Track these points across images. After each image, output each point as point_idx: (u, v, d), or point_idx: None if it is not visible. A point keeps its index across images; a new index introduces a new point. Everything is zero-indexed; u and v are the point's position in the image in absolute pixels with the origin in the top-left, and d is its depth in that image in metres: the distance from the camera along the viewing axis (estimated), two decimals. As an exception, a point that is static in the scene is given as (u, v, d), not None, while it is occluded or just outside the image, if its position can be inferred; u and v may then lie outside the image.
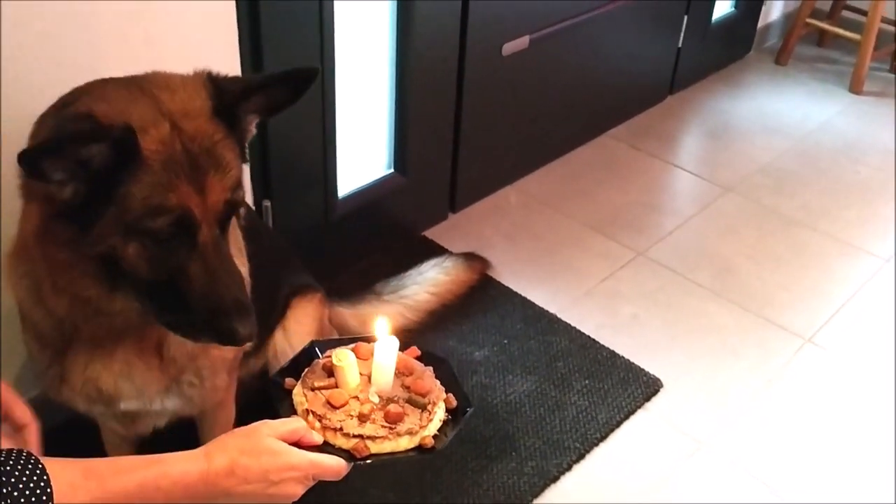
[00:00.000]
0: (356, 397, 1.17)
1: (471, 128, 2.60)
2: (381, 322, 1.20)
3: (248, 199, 2.03)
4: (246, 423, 1.73)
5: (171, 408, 1.47)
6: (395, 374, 1.19)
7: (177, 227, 1.16)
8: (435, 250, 2.50)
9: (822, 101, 3.48)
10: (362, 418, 1.14)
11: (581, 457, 2.01)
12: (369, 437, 1.13)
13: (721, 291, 2.51)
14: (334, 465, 1.11)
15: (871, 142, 3.24)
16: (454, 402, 1.22)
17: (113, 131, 1.10)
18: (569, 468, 1.98)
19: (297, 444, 1.12)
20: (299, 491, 1.10)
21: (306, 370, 1.22)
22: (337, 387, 1.17)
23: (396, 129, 2.42)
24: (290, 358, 1.26)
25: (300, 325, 1.83)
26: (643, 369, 2.23)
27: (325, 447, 1.13)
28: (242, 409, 1.67)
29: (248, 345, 1.62)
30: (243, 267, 1.49)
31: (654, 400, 2.17)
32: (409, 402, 1.17)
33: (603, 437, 2.06)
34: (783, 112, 3.40)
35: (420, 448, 1.15)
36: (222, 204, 1.20)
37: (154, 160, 1.13)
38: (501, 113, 2.69)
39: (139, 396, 1.41)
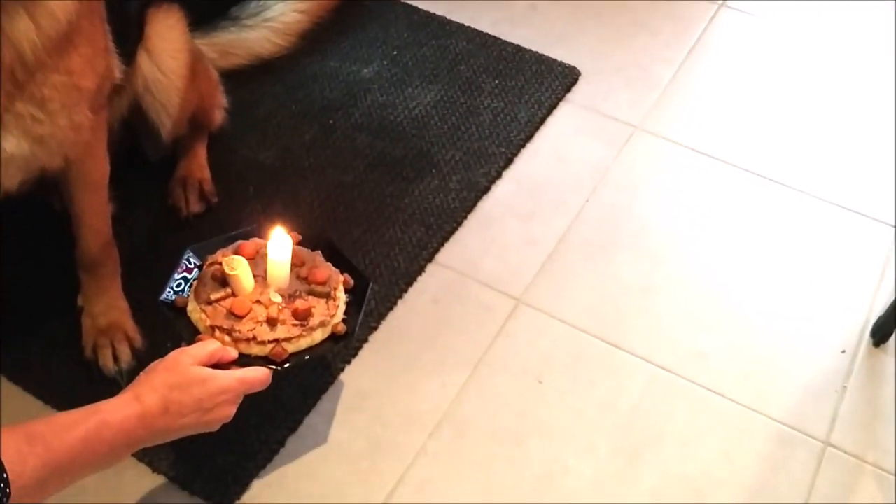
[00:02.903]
0: (258, 301, 1.12)
1: None
2: (277, 229, 1.17)
3: None
4: (119, 185, 1.44)
5: (19, 154, 1.11)
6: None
7: None
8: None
9: None
10: (272, 322, 1.10)
11: (509, 161, 1.76)
12: (285, 340, 1.10)
13: (619, -34, 2.22)
14: (260, 377, 1.10)
15: None
16: (351, 282, 1.19)
17: None
18: (498, 175, 1.73)
19: (216, 365, 1.10)
20: (232, 411, 1.09)
21: (195, 283, 1.15)
22: (234, 295, 1.12)
23: None
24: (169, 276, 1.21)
25: (165, 41, 1.46)
26: (556, 60, 1.96)
27: (242, 359, 1.10)
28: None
29: (119, 76, 1.27)
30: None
31: (575, 90, 1.91)
32: (312, 293, 1.13)
33: (528, 137, 1.81)
34: None
35: (334, 336, 1.14)
36: None
37: None
38: None
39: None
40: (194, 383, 1.05)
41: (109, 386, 1.38)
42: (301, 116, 1.82)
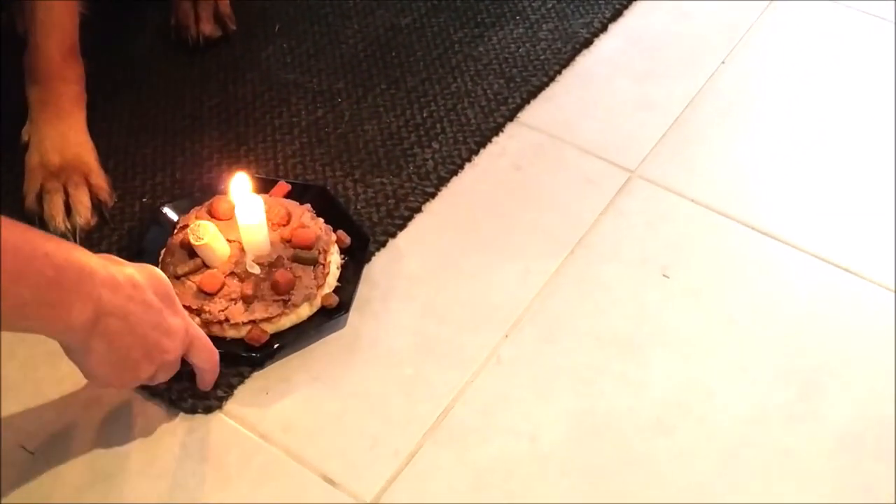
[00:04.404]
0: (233, 273, 0.91)
1: None
2: (239, 180, 0.92)
3: None
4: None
5: None
6: (270, 227, 0.94)
7: None
8: None
9: None
10: (248, 299, 0.89)
11: (617, 13, 1.33)
12: (263, 320, 0.89)
13: None
14: (210, 351, 0.83)
15: None
16: (347, 240, 0.97)
17: None
18: (603, 28, 1.31)
19: None
20: (175, 354, 0.78)
21: (163, 253, 0.94)
22: (206, 267, 0.91)
23: None
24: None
25: None
26: None
27: (216, 343, 0.84)
28: None
29: None
30: None
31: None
32: (296, 260, 0.92)
33: (644, -13, 1.38)
34: None
35: (324, 310, 0.92)
36: None
37: None
38: None
39: None
40: (165, 298, 0.76)
41: (56, 246, 0.98)
42: (348, -48, 1.41)
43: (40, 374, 0.89)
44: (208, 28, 1.20)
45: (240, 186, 0.91)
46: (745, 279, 0.99)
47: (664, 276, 0.99)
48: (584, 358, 0.91)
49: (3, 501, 0.80)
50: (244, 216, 0.90)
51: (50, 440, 0.84)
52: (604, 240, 1.02)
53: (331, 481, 0.82)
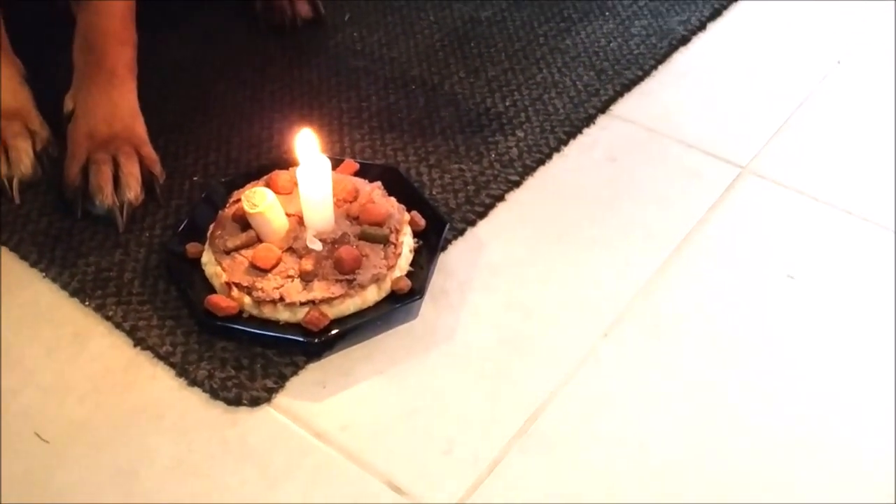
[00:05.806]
0: (290, 249, 0.80)
1: None
2: (305, 136, 0.80)
3: None
4: None
5: None
6: (335, 204, 0.82)
7: None
8: None
9: None
10: (306, 277, 0.78)
11: (716, 13, 1.22)
12: (323, 301, 0.76)
13: None
14: None
15: None
16: (422, 222, 0.85)
17: None
18: (701, 26, 1.19)
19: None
20: None
21: (212, 226, 0.84)
22: (260, 241, 0.80)
23: None
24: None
25: None
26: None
27: (268, 327, 0.76)
28: None
29: None
30: None
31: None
32: (364, 237, 0.81)
33: (745, -13, 1.27)
34: None
35: (395, 296, 0.79)
36: None
37: None
38: None
39: None
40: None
41: (98, 227, 0.88)
42: (424, -49, 1.33)
43: (65, 356, 0.77)
44: (304, 9, 1.13)
45: (305, 144, 0.79)
46: (882, 282, 0.84)
47: (789, 276, 0.85)
48: (699, 362, 0.77)
49: (4, 500, 0.67)
50: (308, 186, 0.79)
51: (68, 428, 0.72)
52: (716, 236, 0.89)
53: (397, 489, 0.68)
